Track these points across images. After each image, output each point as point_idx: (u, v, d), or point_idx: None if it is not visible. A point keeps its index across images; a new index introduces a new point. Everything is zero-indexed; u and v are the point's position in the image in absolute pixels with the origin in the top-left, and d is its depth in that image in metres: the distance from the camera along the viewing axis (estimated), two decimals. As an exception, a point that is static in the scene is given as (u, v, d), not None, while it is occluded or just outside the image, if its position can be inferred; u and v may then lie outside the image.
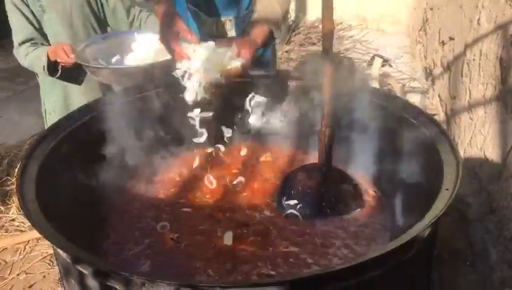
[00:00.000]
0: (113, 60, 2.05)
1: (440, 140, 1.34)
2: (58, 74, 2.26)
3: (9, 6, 2.28)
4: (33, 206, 1.14)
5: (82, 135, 1.52)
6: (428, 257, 1.25)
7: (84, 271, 1.02)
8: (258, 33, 1.74)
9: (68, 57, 2.08)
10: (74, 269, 1.05)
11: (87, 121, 1.56)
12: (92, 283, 1.02)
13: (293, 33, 5.24)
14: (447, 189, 1.13)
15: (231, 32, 2.05)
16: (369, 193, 1.56)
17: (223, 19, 2.03)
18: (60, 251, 1.07)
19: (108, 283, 0.98)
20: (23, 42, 2.28)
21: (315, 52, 4.67)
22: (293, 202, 1.48)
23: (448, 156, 1.26)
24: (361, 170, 1.63)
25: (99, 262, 1.07)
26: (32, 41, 2.29)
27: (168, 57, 1.93)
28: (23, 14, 2.27)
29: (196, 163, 1.73)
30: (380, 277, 1.00)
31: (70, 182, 1.41)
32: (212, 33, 2.01)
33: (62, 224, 1.12)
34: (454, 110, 2.90)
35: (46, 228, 1.07)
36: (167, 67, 1.87)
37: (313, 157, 1.64)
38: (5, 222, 2.59)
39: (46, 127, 2.56)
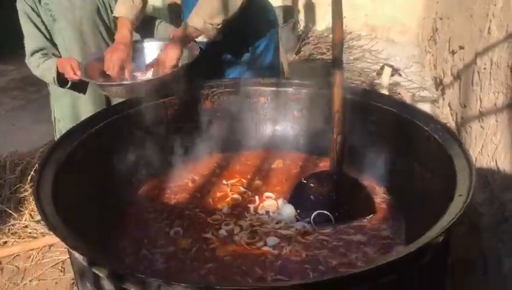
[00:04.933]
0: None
1: (452, 146, 1.33)
2: (68, 86, 2.28)
3: (21, 16, 2.32)
4: (50, 209, 1.15)
5: (96, 142, 1.54)
6: (443, 264, 1.24)
7: (100, 274, 1.03)
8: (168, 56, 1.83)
9: (74, 73, 2.11)
10: (90, 272, 1.06)
11: (100, 128, 1.57)
12: (107, 285, 1.02)
13: (302, 43, 5.25)
14: (460, 195, 1.13)
15: None
16: (381, 199, 1.56)
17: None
18: (76, 254, 1.08)
19: (124, 286, 0.98)
20: (35, 52, 2.31)
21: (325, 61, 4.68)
22: (304, 209, 1.49)
23: (461, 161, 1.26)
24: (373, 176, 1.63)
25: (116, 264, 1.08)
26: (43, 51, 2.31)
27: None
28: (34, 23, 2.29)
29: (208, 170, 1.75)
30: (394, 282, 1.00)
31: (85, 188, 1.42)
32: None
33: (77, 227, 1.13)
34: (465, 119, 2.89)
35: (62, 230, 1.09)
36: (176, 78, 1.88)
37: (325, 164, 1.64)
38: (18, 229, 2.60)
39: (55, 135, 2.58)
